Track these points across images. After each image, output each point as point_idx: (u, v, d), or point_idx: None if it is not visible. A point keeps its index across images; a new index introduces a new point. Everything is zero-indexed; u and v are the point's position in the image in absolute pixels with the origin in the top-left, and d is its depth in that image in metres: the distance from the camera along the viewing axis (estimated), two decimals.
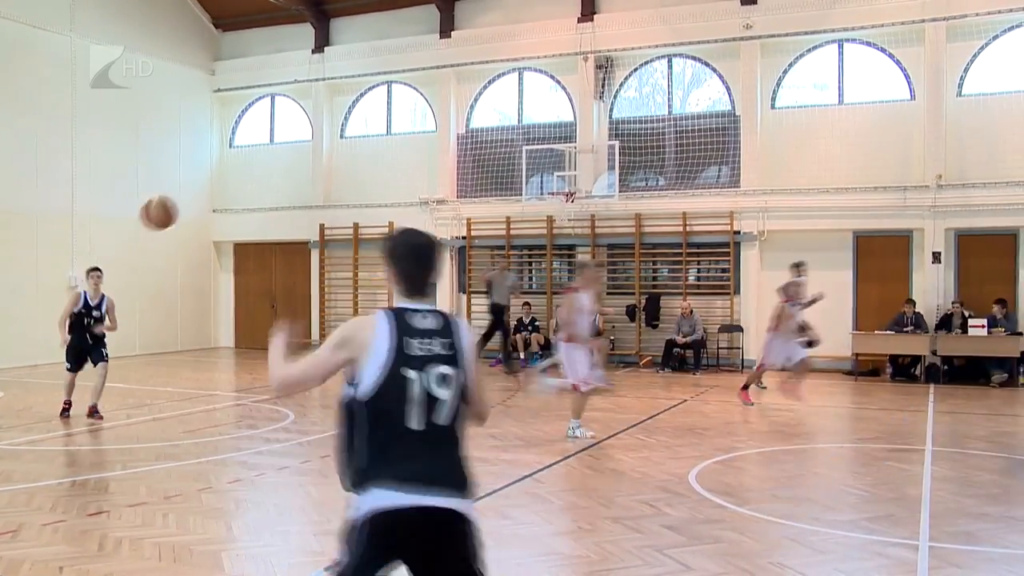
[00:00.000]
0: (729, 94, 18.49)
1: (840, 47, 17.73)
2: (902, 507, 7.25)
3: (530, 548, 6.16)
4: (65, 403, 11.45)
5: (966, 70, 16.72)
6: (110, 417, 11.33)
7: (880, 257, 17.09)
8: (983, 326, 15.35)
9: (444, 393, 3.01)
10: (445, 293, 20.22)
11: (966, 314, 15.70)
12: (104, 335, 11.42)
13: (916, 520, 6.80)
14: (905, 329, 15.98)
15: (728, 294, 18.18)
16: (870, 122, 17.22)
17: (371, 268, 21.12)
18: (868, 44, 17.48)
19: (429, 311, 3.09)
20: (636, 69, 19.32)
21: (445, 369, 3.01)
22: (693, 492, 7.64)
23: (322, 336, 21.79)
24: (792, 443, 10.32)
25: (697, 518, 6.83)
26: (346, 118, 22.21)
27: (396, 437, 2.96)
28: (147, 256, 20.14)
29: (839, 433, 11.59)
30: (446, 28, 20.52)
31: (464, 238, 20.20)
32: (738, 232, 17.96)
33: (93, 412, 11.22)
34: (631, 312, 18.44)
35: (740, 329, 17.91)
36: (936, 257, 16.47)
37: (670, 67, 19.18)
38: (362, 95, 22.01)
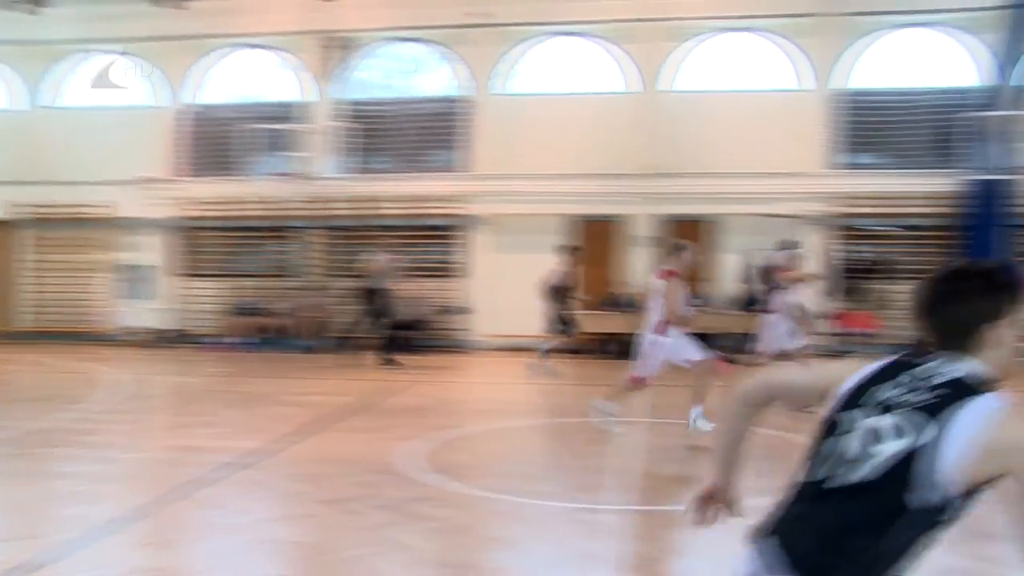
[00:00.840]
0: (463, 79, 18.81)
1: (569, 39, 18.57)
2: (612, 476, 7.69)
3: (244, 536, 6.02)
4: None
5: (676, 68, 18.10)
6: None
7: (600, 241, 18.05)
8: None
9: (884, 446, 2.18)
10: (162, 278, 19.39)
11: None
12: None
13: (623, 487, 7.27)
14: (615, 309, 16.97)
15: (457, 277, 18.56)
16: (593, 112, 18.13)
17: (90, 249, 19.73)
18: (593, 37, 18.43)
19: (936, 363, 2.26)
20: (370, 51, 19.23)
21: (903, 419, 2.19)
22: (411, 472, 7.71)
23: (36, 323, 20.10)
24: (511, 421, 10.72)
25: (414, 497, 6.91)
26: (61, 88, 20.48)
27: (802, 488, 2.38)
28: None
29: (552, 409, 12.07)
30: None
31: (186, 219, 19.33)
32: (467, 216, 18.37)
33: None
34: (360, 295, 18.36)
35: (468, 311, 18.34)
36: (645, 241, 17.62)
37: (405, 50, 19.27)
38: (79, 63, 20.36)
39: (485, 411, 11.52)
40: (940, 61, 17.85)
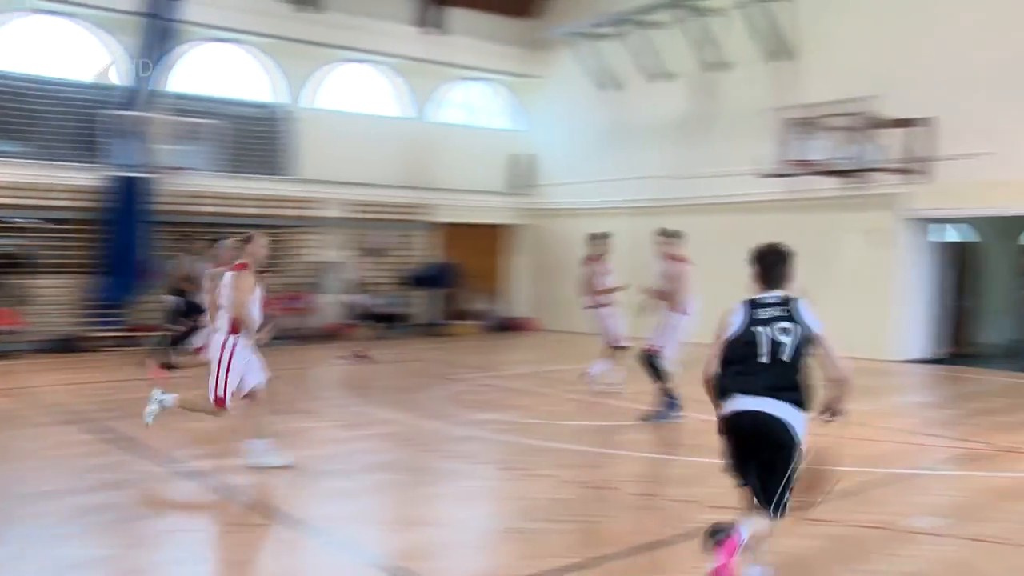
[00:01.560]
0: None
1: None
2: None
3: None
4: None
5: None
6: None
7: None
8: None
9: (785, 339, 4.61)
10: None
11: None
12: None
13: None
14: None
15: None
16: None
17: None
18: None
19: (776, 296, 4.78)
20: None
21: (785, 324, 4.64)
22: None
23: None
24: None
25: None
26: None
27: (747, 367, 4.64)
28: None
29: None
30: None
31: None
32: None
33: None
34: None
35: None
36: None
37: None
38: None
39: None
40: (85, 54, 17.80)
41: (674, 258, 10.09)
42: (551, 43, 22.32)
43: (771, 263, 4.83)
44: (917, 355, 15.94)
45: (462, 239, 22.19)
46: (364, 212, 20.80)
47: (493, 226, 23.41)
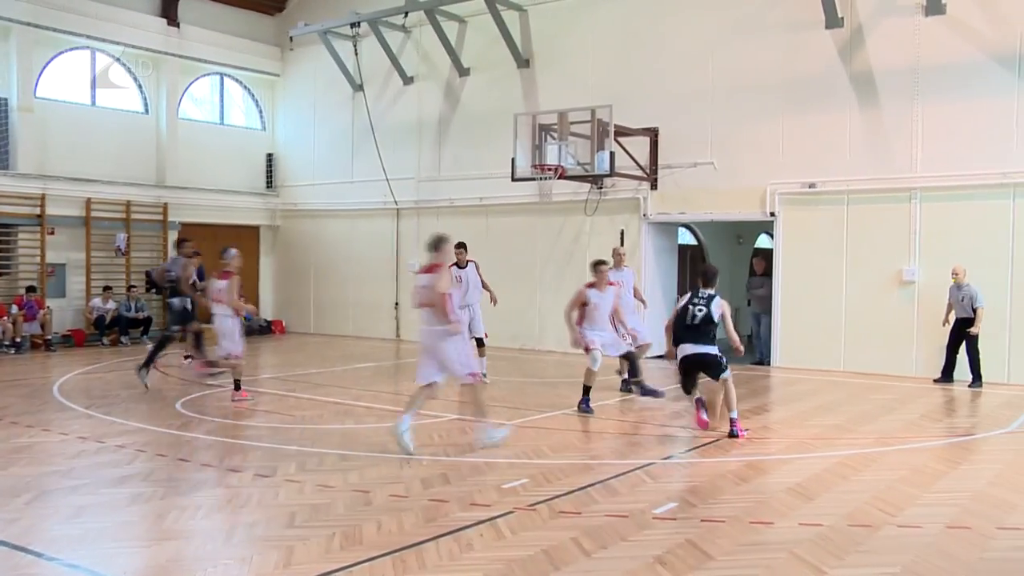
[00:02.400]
0: None
1: None
2: None
3: None
4: None
5: None
6: None
7: None
8: None
9: (699, 313, 9.61)
10: None
11: None
12: None
13: None
14: None
15: None
16: None
17: None
18: None
19: (705, 292, 9.82)
20: None
21: (701, 307, 9.66)
22: None
23: None
24: None
25: None
26: None
27: (685, 328, 9.72)
28: None
29: None
30: None
31: None
32: None
33: None
34: None
35: None
36: None
37: None
38: None
39: None
40: None
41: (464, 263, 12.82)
42: (303, 42, 21.90)
43: (709, 276, 10.00)
44: (657, 352, 16.84)
45: (210, 240, 21.30)
46: (103, 211, 19.54)
47: (242, 227, 22.69)
